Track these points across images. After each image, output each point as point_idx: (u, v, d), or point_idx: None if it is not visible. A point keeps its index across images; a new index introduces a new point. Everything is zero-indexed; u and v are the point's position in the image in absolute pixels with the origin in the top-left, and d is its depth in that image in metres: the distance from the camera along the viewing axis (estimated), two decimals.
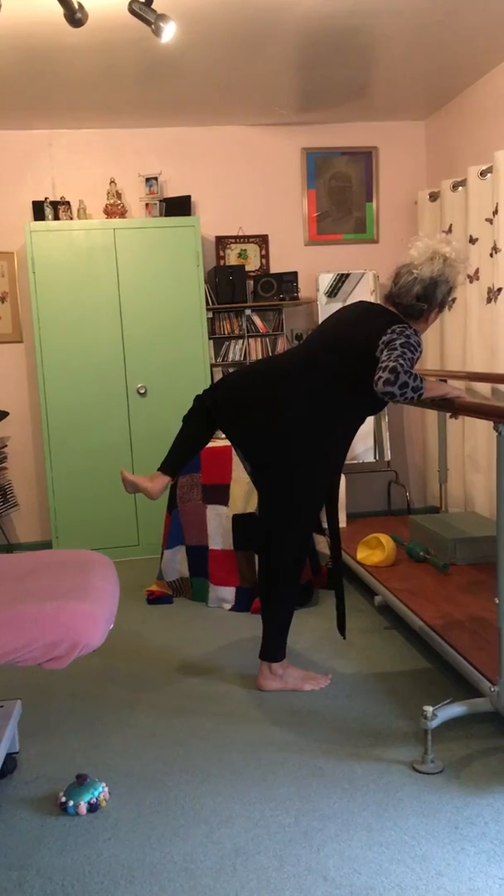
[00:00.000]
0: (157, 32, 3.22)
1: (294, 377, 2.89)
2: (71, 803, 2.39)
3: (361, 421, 3.01)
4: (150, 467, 5.11)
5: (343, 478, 4.97)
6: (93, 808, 2.40)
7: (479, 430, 4.70)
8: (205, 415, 3.10)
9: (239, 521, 4.10)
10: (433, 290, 2.80)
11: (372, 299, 5.36)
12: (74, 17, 3.11)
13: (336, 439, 2.94)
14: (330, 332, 2.93)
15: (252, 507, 4.07)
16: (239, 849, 2.20)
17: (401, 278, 2.83)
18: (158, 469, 3.14)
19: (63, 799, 2.41)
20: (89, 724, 2.97)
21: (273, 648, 3.13)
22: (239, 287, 5.27)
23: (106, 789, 2.46)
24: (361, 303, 2.99)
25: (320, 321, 5.32)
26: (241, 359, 5.37)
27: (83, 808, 2.38)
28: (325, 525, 4.87)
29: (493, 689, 2.62)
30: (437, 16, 3.78)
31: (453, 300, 4.95)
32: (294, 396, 2.86)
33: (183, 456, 3.15)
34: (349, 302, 5.36)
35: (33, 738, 2.88)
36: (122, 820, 2.36)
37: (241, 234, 5.54)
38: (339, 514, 4.96)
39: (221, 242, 5.51)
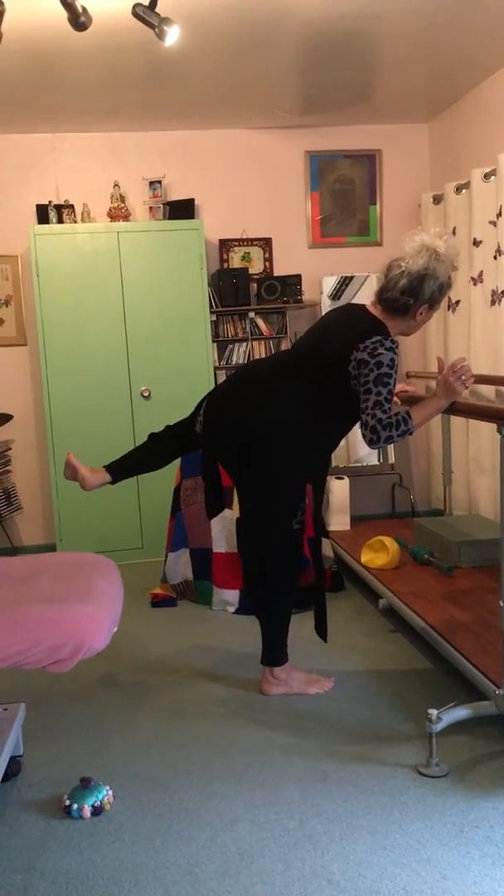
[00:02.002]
0: (160, 36, 3.23)
1: (275, 381, 2.89)
2: (75, 806, 2.39)
3: (342, 427, 2.99)
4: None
5: (347, 480, 4.98)
6: (97, 811, 2.39)
7: (484, 433, 4.69)
8: (169, 442, 3.13)
9: None
10: (420, 285, 2.74)
11: None
12: (78, 21, 3.11)
13: (314, 443, 2.94)
14: (312, 338, 2.94)
15: None
16: (243, 852, 2.20)
17: (390, 272, 2.80)
18: (105, 466, 3.13)
19: (67, 802, 2.41)
20: (93, 727, 2.97)
21: (273, 653, 3.13)
22: (242, 290, 5.27)
23: (110, 792, 2.46)
24: (346, 308, 2.97)
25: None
26: (245, 362, 5.37)
27: (87, 811, 2.38)
28: (329, 528, 4.89)
29: (498, 693, 2.61)
30: (441, 18, 3.78)
31: (455, 302, 4.95)
32: (273, 400, 2.86)
33: (133, 466, 3.16)
34: None
35: (37, 741, 2.88)
36: (126, 823, 2.36)
37: (244, 237, 5.55)
38: (343, 516, 4.96)
39: (225, 245, 5.51)
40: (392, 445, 5.35)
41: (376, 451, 5.31)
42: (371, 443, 2.67)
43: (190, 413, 3.14)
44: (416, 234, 2.82)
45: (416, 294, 2.76)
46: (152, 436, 3.19)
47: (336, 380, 2.77)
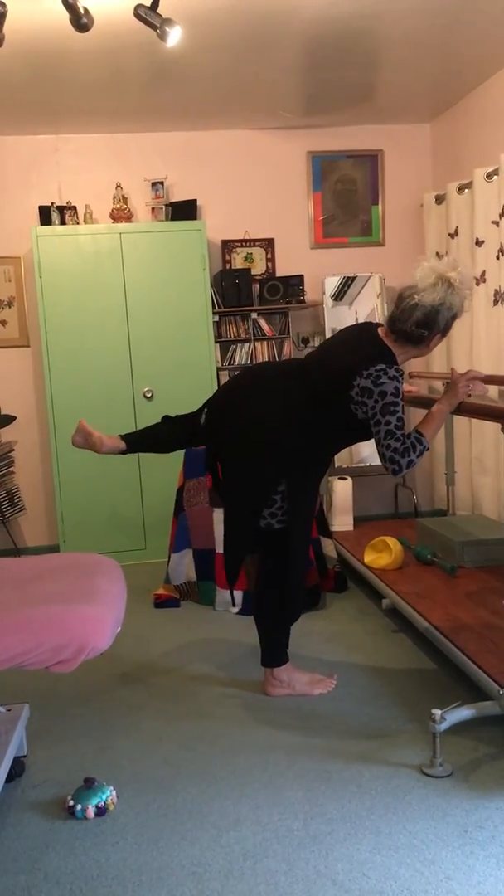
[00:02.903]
0: (162, 37, 3.23)
1: (281, 391, 2.89)
2: (79, 807, 2.39)
3: (339, 444, 3.00)
4: (157, 471, 5.13)
5: (350, 481, 4.97)
6: (100, 811, 2.40)
7: (487, 433, 4.69)
8: (182, 430, 3.13)
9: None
10: (434, 317, 2.69)
11: (378, 302, 5.37)
12: (80, 22, 3.11)
13: (311, 455, 2.94)
14: (323, 353, 2.95)
15: None
16: (247, 853, 2.19)
17: (403, 302, 2.73)
18: (121, 435, 3.14)
19: (71, 802, 2.41)
20: (97, 727, 2.97)
21: (271, 654, 3.15)
22: (245, 290, 5.27)
23: (114, 793, 2.46)
24: (360, 328, 2.95)
25: (326, 324, 5.34)
26: (248, 362, 5.37)
27: (91, 811, 2.38)
28: (333, 528, 4.89)
29: (502, 693, 2.61)
30: (443, 19, 3.78)
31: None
32: (276, 410, 2.86)
33: (147, 444, 3.18)
34: (354, 305, 5.38)
35: (41, 741, 2.88)
36: (130, 824, 2.36)
37: (246, 237, 5.55)
38: (347, 517, 4.96)
39: (227, 246, 5.52)
40: None
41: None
42: (394, 472, 2.68)
43: (198, 408, 3.14)
44: (427, 261, 2.75)
45: (430, 326, 2.71)
46: (166, 419, 3.18)
47: (338, 398, 2.77)
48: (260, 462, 2.88)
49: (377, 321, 2.98)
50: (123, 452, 3.12)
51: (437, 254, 5.25)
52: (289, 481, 2.92)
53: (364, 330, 2.91)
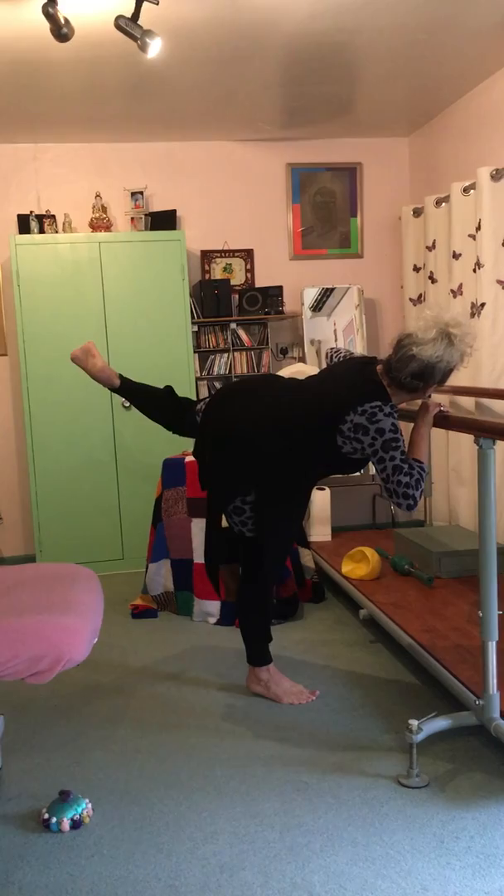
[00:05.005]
0: (143, 48, 3.24)
1: (275, 401, 2.92)
2: (54, 820, 2.37)
3: (314, 469, 3.00)
4: (136, 481, 5.12)
5: (328, 491, 4.99)
6: (76, 824, 2.38)
7: (464, 445, 4.72)
8: (176, 406, 3.13)
9: (224, 534, 4.09)
10: (430, 371, 2.68)
11: (357, 314, 5.40)
12: (60, 32, 3.12)
13: (295, 478, 2.96)
14: (323, 380, 2.96)
15: None
16: (224, 865, 2.19)
17: (401, 350, 2.70)
18: (119, 374, 3.15)
19: (46, 816, 2.39)
20: (73, 739, 2.95)
21: (252, 653, 3.18)
22: (224, 301, 5.28)
23: (89, 806, 2.44)
24: (361, 363, 2.94)
25: (305, 335, 5.36)
26: (227, 372, 5.38)
27: (66, 824, 2.36)
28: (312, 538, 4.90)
29: (477, 703, 2.62)
30: (421, 34, 3.82)
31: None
32: (262, 417, 2.89)
33: (139, 395, 3.16)
34: (333, 316, 5.40)
35: (16, 753, 2.85)
36: (106, 836, 2.34)
37: (226, 248, 5.56)
38: (324, 527, 4.97)
39: (207, 256, 5.53)
40: None
41: None
42: (409, 508, 2.68)
43: (199, 398, 3.14)
44: (430, 309, 2.73)
45: (426, 379, 2.72)
46: (168, 388, 3.17)
47: (326, 427, 2.78)
48: (236, 464, 2.92)
49: (380, 357, 2.98)
50: (113, 389, 3.13)
51: (415, 266, 5.29)
52: (259, 493, 2.95)
53: (365, 366, 2.91)
